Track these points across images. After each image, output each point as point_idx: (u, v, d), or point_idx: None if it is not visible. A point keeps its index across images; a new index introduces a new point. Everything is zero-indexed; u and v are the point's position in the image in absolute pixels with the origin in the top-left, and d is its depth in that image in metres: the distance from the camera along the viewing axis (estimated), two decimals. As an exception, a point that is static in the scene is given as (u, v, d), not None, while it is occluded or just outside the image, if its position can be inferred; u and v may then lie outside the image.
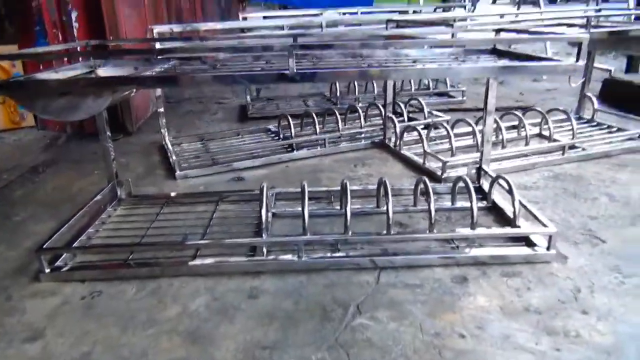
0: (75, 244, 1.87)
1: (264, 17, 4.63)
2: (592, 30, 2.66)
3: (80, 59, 2.15)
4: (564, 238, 1.91)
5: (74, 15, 3.36)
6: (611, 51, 4.70)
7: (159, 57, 2.02)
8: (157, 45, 2.42)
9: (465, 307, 1.53)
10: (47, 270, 1.72)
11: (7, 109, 3.33)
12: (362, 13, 4.15)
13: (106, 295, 1.65)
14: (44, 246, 1.74)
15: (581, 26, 2.66)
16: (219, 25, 3.42)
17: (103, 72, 1.98)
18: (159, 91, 3.16)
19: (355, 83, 4.20)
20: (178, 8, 5.56)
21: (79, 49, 2.33)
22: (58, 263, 1.77)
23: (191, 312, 1.55)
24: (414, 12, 5.08)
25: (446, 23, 2.74)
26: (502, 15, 3.56)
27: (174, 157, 2.79)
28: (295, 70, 1.49)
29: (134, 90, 2.04)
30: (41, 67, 3.30)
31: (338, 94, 4.07)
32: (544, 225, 1.80)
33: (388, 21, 2.93)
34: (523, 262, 1.76)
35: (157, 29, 3.13)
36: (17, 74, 3.32)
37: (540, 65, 1.58)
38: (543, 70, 1.56)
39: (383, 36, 2.75)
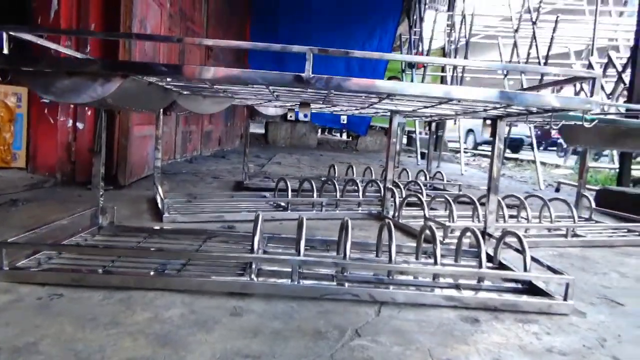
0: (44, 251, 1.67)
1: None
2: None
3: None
4: (579, 299, 1.75)
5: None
6: (606, 149, 4.85)
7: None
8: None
9: (480, 342, 1.34)
10: (6, 268, 1.52)
11: (0, 147, 3.26)
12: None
13: (67, 298, 1.43)
14: (8, 240, 1.55)
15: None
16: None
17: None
18: (158, 155, 3.07)
19: (354, 168, 4.22)
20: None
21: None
22: (19, 264, 1.57)
23: (163, 319, 1.34)
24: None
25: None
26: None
27: (163, 202, 2.67)
28: (311, 75, 1.48)
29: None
30: (46, 110, 3.33)
31: (336, 174, 4.07)
32: (560, 274, 1.66)
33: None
34: (538, 312, 1.58)
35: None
36: (19, 114, 3.32)
37: (552, 97, 1.57)
38: (555, 102, 1.55)
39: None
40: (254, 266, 1.64)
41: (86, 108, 3.43)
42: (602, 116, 2.99)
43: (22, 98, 3.30)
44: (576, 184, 4.22)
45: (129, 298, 1.46)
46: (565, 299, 1.60)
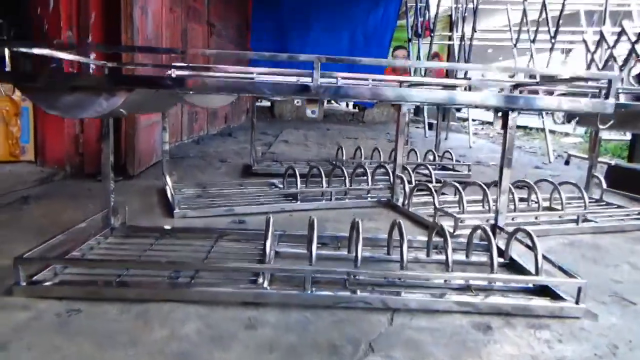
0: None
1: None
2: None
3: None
4: (590, 297, 1.75)
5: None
6: (618, 130, 4.79)
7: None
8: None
9: (493, 353, 1.35)
10: (23, 284, 1.54)
11: (8, 141, 3.26)
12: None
13: (85, 314, 1.46)
14: (25, 255, 1.57)
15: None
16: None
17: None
18: (166, 145, 3.06)
19: (362, 149, 4.20)
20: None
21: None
22: (36, 278, 1.59)
23: (180, 336, 1.36)
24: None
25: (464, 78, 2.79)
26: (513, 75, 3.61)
27: (173, 197, 2.68)
28: (318, 83, 1.45)
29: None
30: (51, 102, 3.30)
31: (344, 158, 4.05)
32: (573, 276, 1.66)
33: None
34: (549, 316, 1.59)
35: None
36: (25, 108, 3.30)
37: (564, 101, 1.53)
38: (567, 105, 1.52)
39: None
40: (266, 273, 1.65)
41: (91, 98, 3.40)
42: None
43: (26, 90, 3.27)
44: (586, 155, 4.17)
45: (146, 312, 1.48)
46: (577, 302, 1.60)
